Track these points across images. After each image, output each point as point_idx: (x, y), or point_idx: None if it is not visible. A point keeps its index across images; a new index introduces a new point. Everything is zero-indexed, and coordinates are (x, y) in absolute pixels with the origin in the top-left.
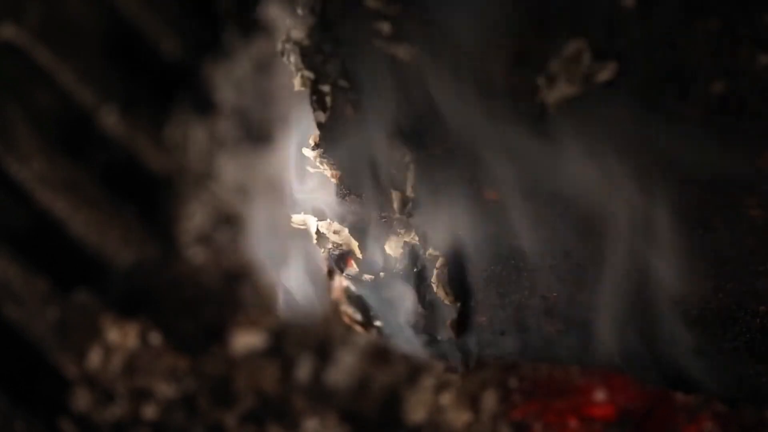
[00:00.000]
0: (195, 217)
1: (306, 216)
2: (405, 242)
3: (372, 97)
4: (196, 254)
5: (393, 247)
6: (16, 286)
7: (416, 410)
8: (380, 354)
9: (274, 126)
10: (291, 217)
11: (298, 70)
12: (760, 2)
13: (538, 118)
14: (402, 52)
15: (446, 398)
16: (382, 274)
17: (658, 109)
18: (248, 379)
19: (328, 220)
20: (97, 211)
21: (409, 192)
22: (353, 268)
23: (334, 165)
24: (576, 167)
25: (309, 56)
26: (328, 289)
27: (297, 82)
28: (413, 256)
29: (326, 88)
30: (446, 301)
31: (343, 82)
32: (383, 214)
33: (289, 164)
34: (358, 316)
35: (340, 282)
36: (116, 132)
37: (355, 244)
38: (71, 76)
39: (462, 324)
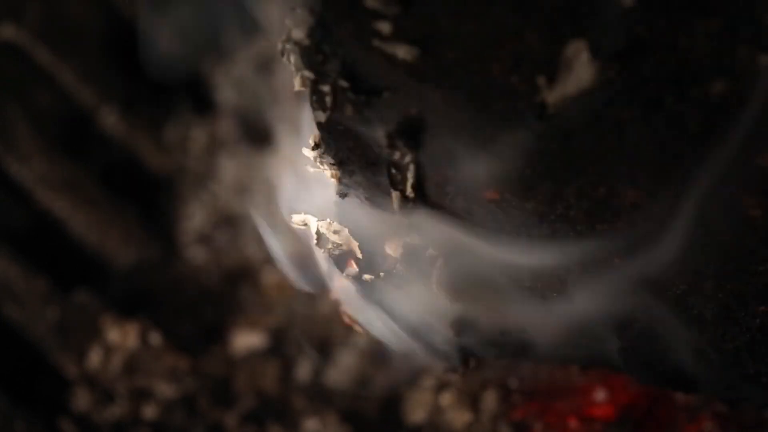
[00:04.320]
0: (195, 217)
1: (306, 216)
2: (405, 242)
3: (372, 97)
4: (196, 254)
5: (393, 247)
6: (16, 286)
7: (416, 410)
8: (380, 354)
9: (274, 126)
10: (291, 218)
11: (298, 70)
12: (760, 2)
13: (538, 118)
14: (402, 52)
15: (446, 398)
16: (382, 274)
17: (658, 109)
18: (248, 379)
19: (328, 220)
20: (97, 211)
21: (409, 192)
22: (353, 268)
23: (334, 165)
24: (576, 167)
25: (309, 56)
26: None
27: (297, 82)
28: (413, 256)
29: (326, 88)
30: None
31: (343, 82)
32: (383, 214)
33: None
34: (359, 316)
35: (340, 282)
36: (116, 132)
37: (355, 244)
38: (71, 76)
39: (462, 323)
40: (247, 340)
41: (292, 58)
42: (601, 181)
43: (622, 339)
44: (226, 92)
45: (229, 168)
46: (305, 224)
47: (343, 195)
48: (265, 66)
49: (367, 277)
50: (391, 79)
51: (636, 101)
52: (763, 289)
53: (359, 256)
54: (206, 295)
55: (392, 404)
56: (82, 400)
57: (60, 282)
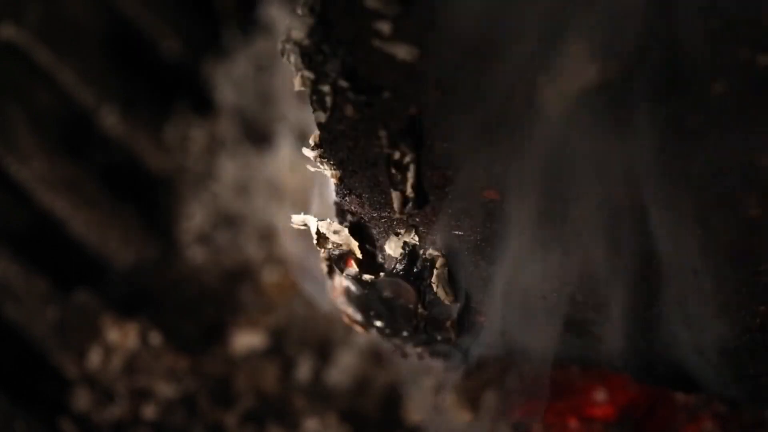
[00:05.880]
0: (195, 217)
1: (306, 216)
2: (405, 242)
3: (372, 97)
4: (196, 254)
5: (393, 247)
6: (16, 286)
7: (416, 410)
8: (380, 354)
9: (274, 126)
10: (291, 218)
11: (298, 70)
12: (760, 2)
13: (537, 118)
14: (402, 52)
15: (446, 398)
16: (382, 274)
17: (658, 109)
18: (248, 379)
19: (328, 220)
20: (97, 211)
21: (409, 192)
22: (353, 268)
23: (334, 165)
24: (576, 167)
25: (309, 56)
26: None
27: (297, 82)
28: (413, 256)
29: (326, 88)
30: (446, 301)
31: (343, 82)
32: (383, 214)
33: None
34: (358, 316)
35: (340, 282)
36: (116, 132)
37: (355, 244)
38: (71, 76)
39: (462, 324)
40: (247, 340)
41: (292, 58)
42: (601, 181)
43: (623, 339)
44: (226, 92)
45: (229, 168)
46: (305, 225)
47: (343, 195)
48: (265, 66)
49: (367, 277)
50: (391, 79)
51: (636, 101)
52: (764, 289)
53: (359, 256)
54: (206, 295)
55: (392, 404)
56: (82, 400)
57: (60, 282)
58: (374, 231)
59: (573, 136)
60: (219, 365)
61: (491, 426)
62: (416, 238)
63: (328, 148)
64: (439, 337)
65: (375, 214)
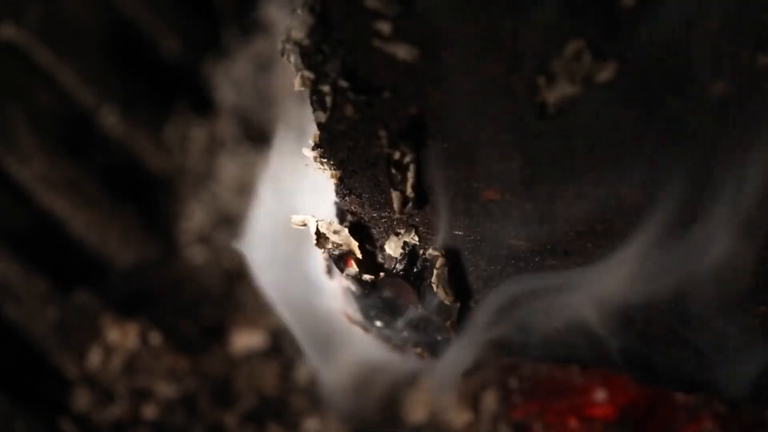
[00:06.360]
0: (195, 217)
1: (306, 216)
2: (405, 242)
3: (372, 97)
4: (195, 254)
5: (393, 247)
6: (16, 286)
7: (416, 410)
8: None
9: (274, 126)
10: (291, 218)
11: (298, 70)
12: (760, 2)
13: (538, 118)
14: (402, 52)
15: (446, 398)
16: (382, 274)
17: (658, 109)
18: (248, 379)
19: (328, 220)
20: (97, 211)
21: (409, 192)
22: (353, 268)
23: (334, 165)
24: (576, 167)
25: (309, 56)
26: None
27: (297, 82)
28: (413, 256)
29: (326, 88)
30: (446, 301)
31: (343, 82)
32: (383, 214)
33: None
34: (358, 316)
35: (340, 282)
36: (116, 132)
37: (355, 244)
38: (71, 76)
39: (462, 324)
40: (247, 340)
41: (292, 58)
42: (601, 181)
43: (623, 339)
44: (226, 92)
45: (229, 168)
46: (304, 224)
47: (343, 195)
48: (265, 66)
49: (367, 277)
50: (391, 79)
51: (636, 101)
52: (763, 289)
53: (359, 256)
54: (206, 295)
55: (392, 404)
56: (82, 400)
57: (60, 282)
58: (374, 231)
59: (572, 135)
60: (219, 365)
61: (491, 426)
62: (416, 238)
63: (328, 148)
64: (439, 337)
65: (375, 214)
